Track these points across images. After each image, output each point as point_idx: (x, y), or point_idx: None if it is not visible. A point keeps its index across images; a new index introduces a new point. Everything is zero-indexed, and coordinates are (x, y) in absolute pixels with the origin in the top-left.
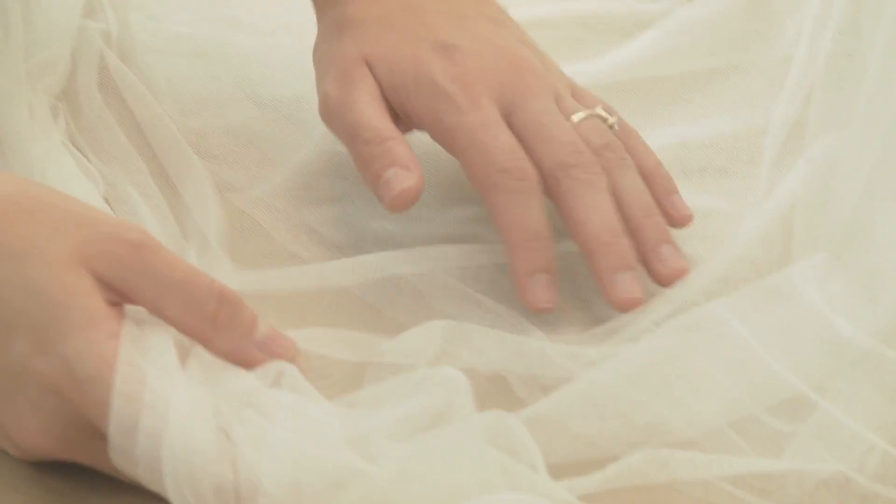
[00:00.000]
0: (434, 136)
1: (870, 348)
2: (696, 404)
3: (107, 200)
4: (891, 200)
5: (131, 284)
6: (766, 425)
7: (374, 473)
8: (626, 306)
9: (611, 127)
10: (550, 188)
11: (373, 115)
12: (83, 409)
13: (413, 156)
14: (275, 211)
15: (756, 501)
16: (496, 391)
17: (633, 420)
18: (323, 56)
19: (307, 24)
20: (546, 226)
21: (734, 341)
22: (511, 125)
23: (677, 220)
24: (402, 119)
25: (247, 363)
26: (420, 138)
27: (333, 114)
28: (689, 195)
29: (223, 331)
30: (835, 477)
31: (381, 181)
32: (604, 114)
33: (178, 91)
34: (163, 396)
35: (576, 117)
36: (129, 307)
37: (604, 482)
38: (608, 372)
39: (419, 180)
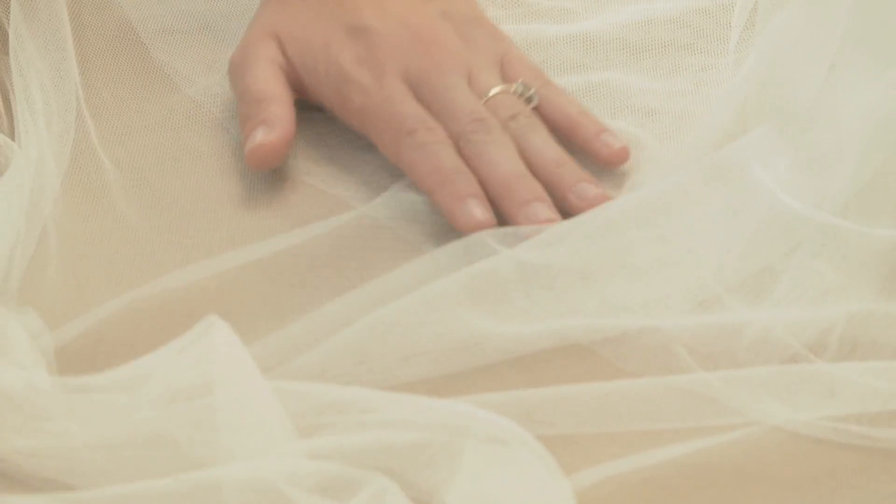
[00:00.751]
0: (345, 121)
1: (825, 221)
2: (655, 286)
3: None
4: (846, 77)
5: None
6: (727, 306)
7: None
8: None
9: (529, 98)
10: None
11: (262, 78)
12: None
13: (286, 117)
14: (223, 101)
15: (719, 385)
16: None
17: (588, 300)
18: (249, 24)
19: None
20: (464, 166)
21: (685, 221)
22: (418, 100)
23: (611, 156)
24: (311, 98)
25: None
26: None
27: (231, 78)
28: (647, 73)
29: None
30: (794, 358)
31: (249, 139)
32: (520, 88)
33: None
34: None
35: (487, 94)
36: None
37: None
38: (553, 254)
39: (279, 138)
